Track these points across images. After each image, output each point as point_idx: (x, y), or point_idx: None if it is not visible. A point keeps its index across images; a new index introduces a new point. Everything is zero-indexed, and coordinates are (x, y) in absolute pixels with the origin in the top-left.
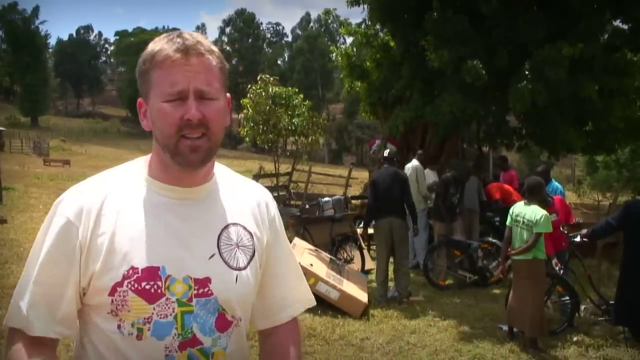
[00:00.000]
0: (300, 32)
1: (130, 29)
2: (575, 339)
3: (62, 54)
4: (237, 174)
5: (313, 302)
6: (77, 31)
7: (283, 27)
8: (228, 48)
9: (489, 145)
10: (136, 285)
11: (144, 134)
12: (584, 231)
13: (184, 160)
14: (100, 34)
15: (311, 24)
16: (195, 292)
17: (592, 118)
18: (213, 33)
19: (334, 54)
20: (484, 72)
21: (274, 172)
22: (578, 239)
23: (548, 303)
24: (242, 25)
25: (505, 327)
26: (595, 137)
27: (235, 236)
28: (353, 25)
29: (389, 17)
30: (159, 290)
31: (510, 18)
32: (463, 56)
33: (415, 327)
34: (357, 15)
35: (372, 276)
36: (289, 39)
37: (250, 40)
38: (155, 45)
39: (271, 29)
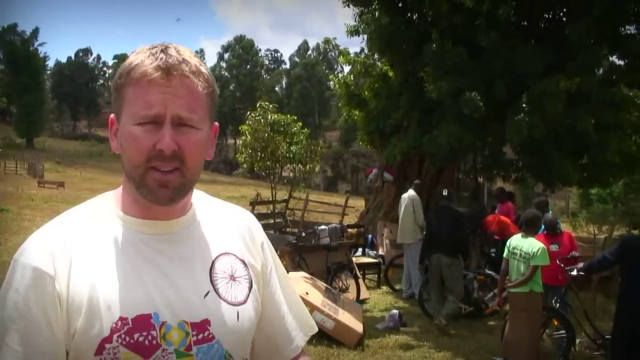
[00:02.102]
0: (298, 60)
1: (129, 53)
2: None
3: (60, 75)
4: (213, 197)
5: (315, 329)
6: (76, 54)
7: (281, 54)
8: (226, 74)
9: (485, 177)
10: (128, 339)
11: None
12: (581, 265)
13: (150, 194)
14: (99, 57)
15: (309, 52)
16: (195, 338)
17: (588, 151)
18: (212, 58)
19: (332, 82)
20: (481, 103)
21: (270, 199)
22: (575, 272)
23: (544, 336)
24: (241, 52)
25: None
26: (591, 170)
27: (229, 267)
28: (352, 55)
29: (388, 47)
30: (154, 342)
31: (508, 50)
32: (461, 87)
33: (410, 358)
34: (355, 44)
35: (367, 305)
36: (287, 66)
37: (248, 66)
38: (135, 58)
39: (269, 55)
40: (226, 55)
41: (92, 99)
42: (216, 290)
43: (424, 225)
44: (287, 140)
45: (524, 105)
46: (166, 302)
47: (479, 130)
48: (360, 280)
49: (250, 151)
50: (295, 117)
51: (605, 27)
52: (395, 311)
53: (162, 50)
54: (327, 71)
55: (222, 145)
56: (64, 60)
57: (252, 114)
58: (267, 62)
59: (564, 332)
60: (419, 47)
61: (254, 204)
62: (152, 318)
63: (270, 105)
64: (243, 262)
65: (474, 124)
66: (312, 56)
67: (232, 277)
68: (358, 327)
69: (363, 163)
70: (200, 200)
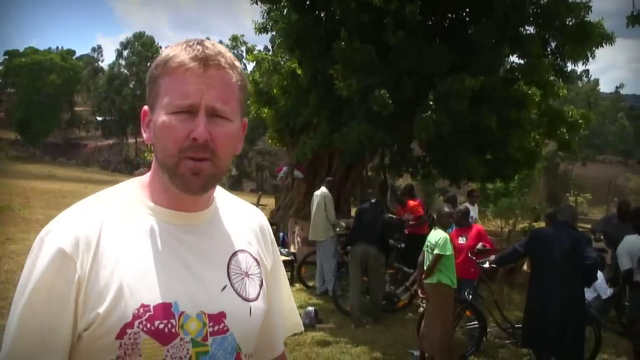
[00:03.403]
0: None
1: (21, 49)
2: None
3: None
4: (232, 194)
5: (301, 327)
6: None
7: None
8: (126, 71)
9: (393, 173)
10: (149, 325)
11: (34, 157)
12: (492, 257)
13: (183, 183)
14: None
15: None
16: (210, 329)
17: (492, 147)
18: (110, 56)
19: None
20: (390, 101)
21: None
22: (486, 265)
23: (457, 328)
24: (141, 49)
25: (416, 353)
26: (494, 165)
27: (244, 264)
28: (260, 52)
29: (297, 45)
30: (173, 330)
31: (415, 49)
32: (370, 85)
33: (328, 354)
34: (261, 42)
35: None
36: None
37: (149, 64)
38: (171, 50)
39: None
40: (125, 52)
41: None
42: (232, 285)
43: (337, 222)
44: None
45: (431, 103)
46: (187, 293)
47: (388, 128)
48: None
49: None
50: None
51: (506, 27)
52: (310, 308)
53: (198, 43)
54: None
55: (122, 145)
56: None
57: None
58: None
59: (476, 322)
60: (328, 45)
61: None
62: (172, 307)
63: None
64: (256, 260)
65: (384, 121)
66: None
67: (247, 274)
68: None
69: (268, 161)
70: (221, 196)
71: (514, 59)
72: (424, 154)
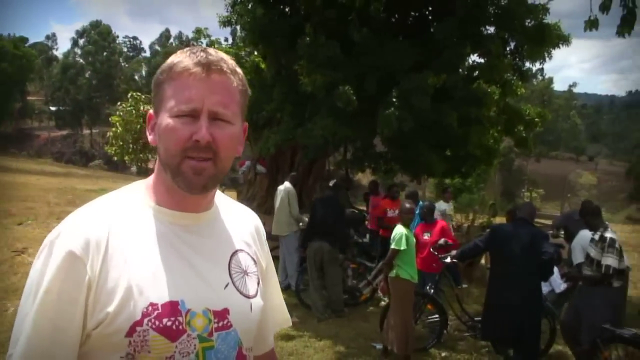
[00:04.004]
0: (159, 48)
1: None
2: (443, 354)
3: None
4: (226, 196)
5: (289, 322)
6: None
7: (140, 42)
8: (81, 61)
9: (356, 169)
10: (157, 323)
11: None
12: (454, 252)
13: (185, 182)
14: None
15: (171, 40)
16: (216, 325)
17: (452, 144)
18: (65, 44)
19: None
20: (354, 97)
21: None
22: (448, 259)
23: (419, 321)
24: (97, 38)
25: (379, 346)
26: (454, 162)
27: (244, 263)
28: (222, 46)
29: (261, 40)
30: (180, 327)
31: (379, 46)
32: (335, 81)
33: (293, 348)
34: (222, 35)
35: None
36: (147, 54)
37: (105, 53)
38: (176, 57)
39: (128, 42)
40: (81, 41)
41: None
42: (234, 283)
43: (300, 217)
44: None
45: (394, 99)
46: (192, 291)
47: (352, 124)
48: None
49: (121, 143)
50: None
51: (468, 27)
52: None
53: (202, 50)
54: None
55: (77, 136)
56: None
57: (123, 105)
58: (125, 49)
59: (437, 316)
60: (292, 41)
61: None
62: (179, 305)
63: (142, 96)
64: (254, 259)
65: (347, 117)
66: (174, 45)
67: (246, 272)
68: None
69: None
70: (220, 199)
71: (474, 58)
72: (386, 149)
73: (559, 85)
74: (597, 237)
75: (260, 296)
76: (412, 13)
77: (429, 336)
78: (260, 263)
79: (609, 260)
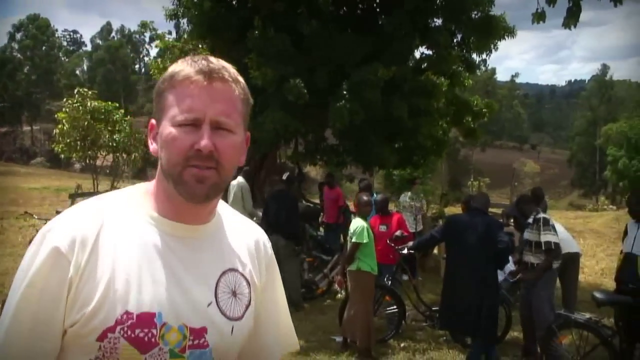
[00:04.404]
0: (100, 42)
1: None
2: (402, 344)
3: None
4: (233, 210)
5: (297, 346)
6: None
7: (81, 35)
8: (19, 55)
9: (308, 162)
10: (130, 333)
11: None
12: (411, 243)
13: (187, 191)
14: None
15: (113, 34)
16: (190, 342)
17: (403, 136)
18: (1, 39)
19: (151, 68)
20: (305, 91)
21: (92, 190)
22: (405, 251)
23: (377, 313)
24: (35, 32)
25: (338, 339)
26: (405, 153)
27: (233, 283)
28: (170, 39)
29: (209, 33)
30: (153, 339)
31: (328, 39)
32: (285, 75)
33: None
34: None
35: None
36: (88, 48)
37: (44, 47)
38: (177, 66)
39: (68, 36)
40: (18, 35)
41: None
42: (217, 303)
43: (254, 211)
44: (109, 128)
45: (344, 92)
46: (172, 305)
47: (303, 117)
48: None
49: (68, 140)
50: (117, 105)
51: (416, 19)
52: None
53: (203, 58)
54: (131, 54)
55: (17, 133)
56: None
57: (70, 101)
58: (65, 43)
59: (395, 307)
60: (241, 34)
61: (74, 197)
62: (155, 317)
63: (90, 92)
64: (247, 280)
65: (299, 110)
66: (115, 38)
67: (234, 293)
68: None
69: None
70: (222, 212)
71: (423, 50)
72: (337, 142)
73: (501, 76)
74: (531, 220)
75: (247, 319)
76: (360, 6)
77: (387, 327)
78: (256, 284)
79: (548, 237)
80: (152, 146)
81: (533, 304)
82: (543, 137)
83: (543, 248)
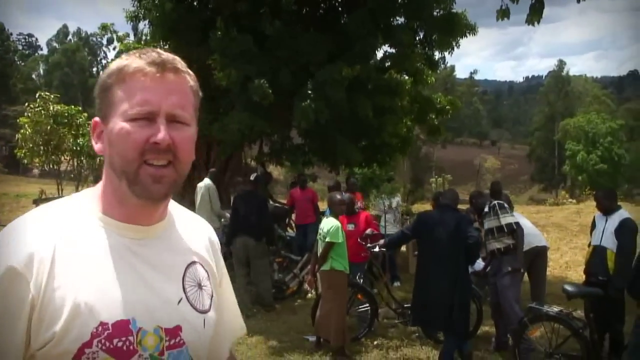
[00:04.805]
0: (57, 45)
1: None
2: (375, 342)
3: None
4: (178, 204)
5: (244, 330)
6: None
7: (37, 39)
8: None
9: (274, 162)
10: (107, 344)
11: None
12: (382, 241)
13: (144, 191)
14: None
15: (69, 37)
16: (167, 343)
17: (368, 134)
18: None
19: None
20: (270, 91)
21: (57, 196)
22: (377, 249)
23: (350, 312)
24: None
25: (312, 338)
26: (370, 151)
27: (197, 276)
28: (131, 41)
29: (171, 34)
30: (132, 347)
31: (292, 39)
32: (249, 75)
33: None
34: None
35: None
36: (44, 51)
37: None
38: (123, 60)
39: (23, 40)
40: None
41: None
42: (187, 298)
43: (222, 213)
44: (73, 132)
45: (309, 92)
46: (144, 308)
47: (268, 117)
48: None
49: (30, 145)
50: (80, 108)
51: (378, 17)
52: None
53: (152, 51)
54: (89, 57)
55: None
56: None
57: (32, 105)
58: (20, 47)
59: (367, 305)
60: (204, 35)
61: (38, 202)
62: (130, 324)
63: (52, 96)
64: (207, 272)
65: (263, 111)
66: (72, 41)
67: (200, 286)
68: None
69: None
70: (173, 207)
71: (386, 48)
72: (303, 142)
73: (460, 73)
74: (486, 209)
75: (214, 310)
76: (323, 5)
77: (360, 326)
78: (215, 275)
79: (507, 219)
80: (97, 145)
81: (501, 304)
82: (502, 133)
83: (506, 231)
